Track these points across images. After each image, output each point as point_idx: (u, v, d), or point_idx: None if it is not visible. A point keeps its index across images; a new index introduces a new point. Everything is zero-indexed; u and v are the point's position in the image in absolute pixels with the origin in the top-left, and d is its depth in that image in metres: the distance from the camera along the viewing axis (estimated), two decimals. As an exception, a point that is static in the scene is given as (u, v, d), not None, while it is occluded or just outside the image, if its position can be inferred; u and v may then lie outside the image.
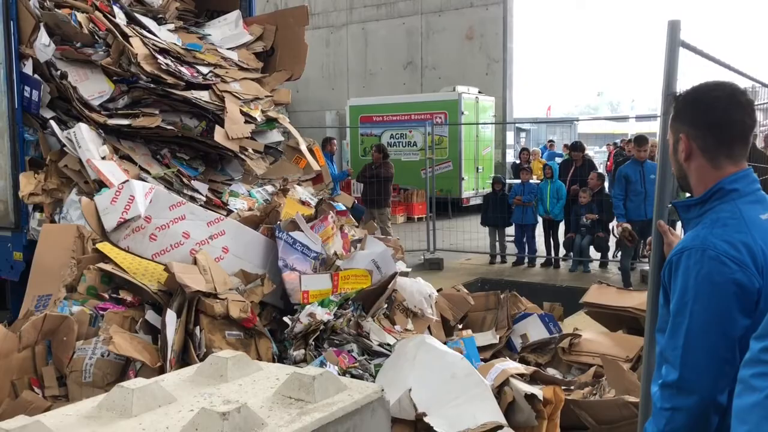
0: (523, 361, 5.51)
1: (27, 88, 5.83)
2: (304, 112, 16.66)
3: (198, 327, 4.24)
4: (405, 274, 5.84)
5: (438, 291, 6.07)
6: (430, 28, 18.08)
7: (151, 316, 4.35)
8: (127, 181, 5.01)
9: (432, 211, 11.38)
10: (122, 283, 4.53)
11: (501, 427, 3.20)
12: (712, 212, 1.82)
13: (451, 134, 15.33)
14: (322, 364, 4.52)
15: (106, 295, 4.44)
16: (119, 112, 5.98)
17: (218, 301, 4.32)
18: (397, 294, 5.33)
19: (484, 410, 3.28)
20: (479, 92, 16.08)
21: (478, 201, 16.16)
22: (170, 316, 4.10)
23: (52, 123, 5.62)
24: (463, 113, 15.33)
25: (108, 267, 4.48)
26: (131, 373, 3.88)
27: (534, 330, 6.14)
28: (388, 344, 4.60)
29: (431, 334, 5.14)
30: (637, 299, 5.66)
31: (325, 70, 18.88)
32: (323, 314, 4.48)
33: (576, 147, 10.85)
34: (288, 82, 7.38)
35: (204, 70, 6.46)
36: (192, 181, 6.18)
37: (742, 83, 2.16)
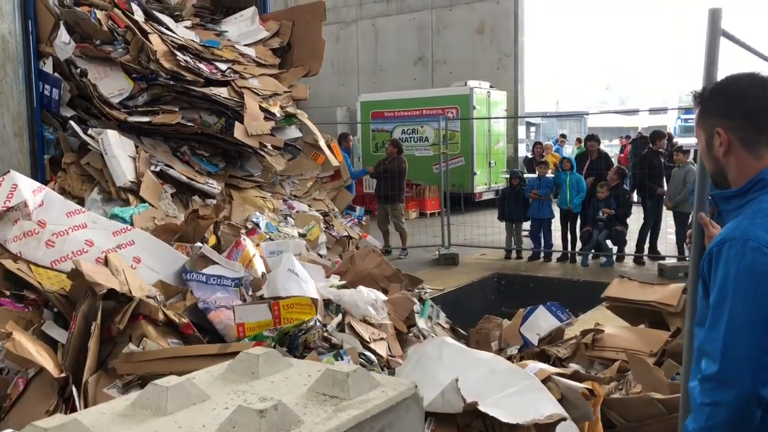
0: (543, 354, 5.49)
1: (47, 87, 5.85)
2: (315, 108, 16.63)
3: (141, 334, 3.84)
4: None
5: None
6: (441, 23, 18.03)
7: (48, 316, 3.99)
8: (9, 172, 4.60)
9: (446, 206, 11.33)
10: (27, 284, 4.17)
11: (564, 419, 3.16)
12: (753, 203, 1.79)
13: (463, 129, 15.28)
14: (338, 358, 4.49)
15: (7, 292, 4.08)
16: (139, 109, 5.99)
17: (155, 304, 3.98)
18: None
19: (542, 401, 3.22)
20: (491, 87, 16.01)
21: (491, 196, 16.13)
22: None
23: (73, 123, 5.63)
24: (474, 108, 15.27)
25: (7, 262, 4.15)
26: (20, 382, 3.48)
27: (545, 322, 6.12)
28: (364, 354, 4.41)
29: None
30: (659, 293, 5.62)
31: (335, 66, 18.85)
32: None
33: (591, 138, 10.79)
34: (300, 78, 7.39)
35: (222, 66, 6.46)
36: (209, 177, 6.19)
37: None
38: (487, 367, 3.64)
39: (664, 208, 9.84)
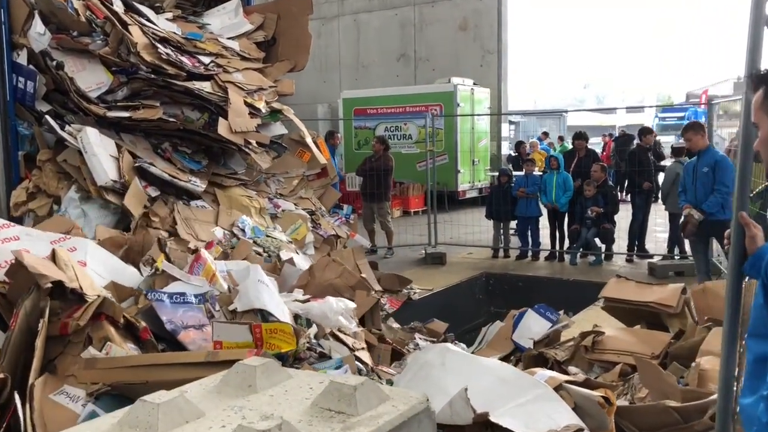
0: (541, 357, 5.34)
1: (21, 80, 5.56)
2: (295, 104, 16.31)
3: (104, 336, 3.53)
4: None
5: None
6: (424, 19, 17.83)
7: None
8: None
9: (433, 204, 11.15)
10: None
11: (581, 430, 2.98)
12: None
13: (447, 126, 15.11)
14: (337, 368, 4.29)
15: None
16: (118, 104, 5.72)
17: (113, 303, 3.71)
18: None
19: (558, 411, 3.04)
20: (474, 84, 15.86)
21: (474, 194, 15.99)
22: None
23: (48, 119, 5.36)
24: (459, 105, 15.10)
25: None
26: None
27: (536, 325, 6.01)
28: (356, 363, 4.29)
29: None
30: (658, 294, 5.49)
31: (316, 62, 18.53)
32: None
33: (579, 136, 10.67)
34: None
35: (205, 59, 6.21)
36: (192, 175, 5.94)
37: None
38: (494, 375, 3.46)
39: (653, 205, 9.77)
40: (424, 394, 2.30)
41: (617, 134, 18.20)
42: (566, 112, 35.26)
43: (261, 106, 6.22)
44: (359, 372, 4.32)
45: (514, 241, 10.80)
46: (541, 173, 10.61)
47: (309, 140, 6.73)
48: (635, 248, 9.83)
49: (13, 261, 3.71)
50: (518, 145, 14.38)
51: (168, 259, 4.73)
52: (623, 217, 9.92)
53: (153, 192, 5.33)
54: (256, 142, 6.26)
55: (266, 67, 6.78)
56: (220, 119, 5.79)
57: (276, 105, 6.55)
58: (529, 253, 10.32)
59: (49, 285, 3.46)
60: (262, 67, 6.75)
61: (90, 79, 5.62)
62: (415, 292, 8.09)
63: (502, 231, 10.64)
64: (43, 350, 3.29)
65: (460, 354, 3.75)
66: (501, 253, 10.60)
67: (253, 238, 5.52)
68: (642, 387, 4.42)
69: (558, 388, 3.53)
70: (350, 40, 19.05)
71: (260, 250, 5.52)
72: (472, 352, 6.23)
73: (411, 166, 15.01)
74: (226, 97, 5.98)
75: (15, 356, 3.23)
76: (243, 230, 5.52)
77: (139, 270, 4.55)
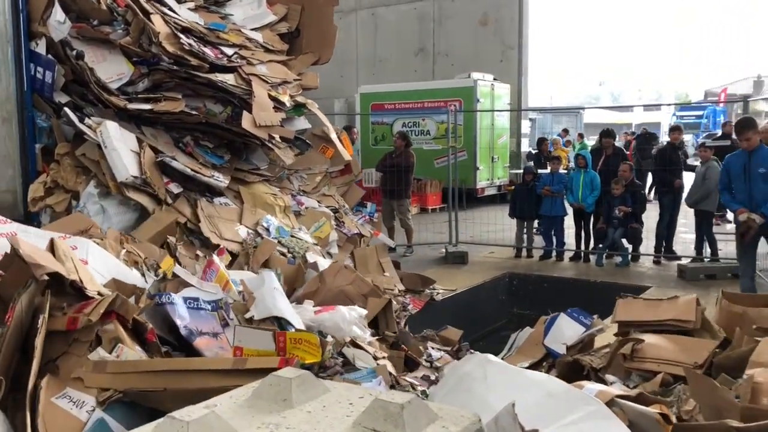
0: (576, 364, 5.11)
1: (39, 69, 5.37)
2: (311, 99, 16.11)
3: (114, 337, 3.29)
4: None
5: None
6: (443, 14, 17.54)
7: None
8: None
9: (454, 202, 10.90)
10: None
11: None
12: None
13: (466, 123, 14.83)
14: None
15: None
16: (139, 96, 5.52)
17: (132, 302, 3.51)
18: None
19: (613, 430, 2.82)
20: (494, 79, 15.59)
21: (493, 191, 15.73)
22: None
23: (68, 111, 5.16)
24: (478, 101, 14.83)
25: None
26: None
27: (569, 329, 5.76)
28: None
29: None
30: (673, 310, 5.10)
31: (333, 56, 18.36)
32: None
33: (607, 134, 10.38)
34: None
35: (228, 51, 6.00)
36: (214, 170, 5.74)
37: None
38: (542, 389, 3.23)
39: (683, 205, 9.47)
40: (476, 414, 2.09)
41: (638, 132, 17.83)
42: (583, 109, 34.86)
43: (285, 99, 6.01)
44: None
45: (538, 240, 10.55)
46: (565, 171, 10.33)
47: (333, 136, 6.52)
48: (662, 249, 9.55)
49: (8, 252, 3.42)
50: (540, 143, 14.07)
51: (178, 263, 4.55)
52: (649, 217, 9.65)
53: (175, 188, 5.13)
54: (279, 137, 6.04)
55: (290, 60, 6.56)
56: (245, 113, 5.58)
57: (300, 99, 6.33)
58: (554, 254, 10.06)
59: (46, 277, 3.18)
60: (286, 59, 6.53)
61: (110, 69, 5.42)
62: (438, 293, 7.86)
63: (525, 230, 10.39)
64: (42, 350, 3.01)
65: (502, 365, 3.52)
66: (524, 252, 10.35)
67: (277, 238, 5.30)
68: (688, 399, 4.17)
69: (610, 404, 3.29)
70: (367, 34, 18.81)
71: (284, 250, 5.31)
72: (502, 359, 5.99)
73: (429, 162, 14.75)
74: (250, 90, 5.77)
75: (10, 355, 2.99)
76: (267, 229, 5.31)
77: (142, 274, 4.33)
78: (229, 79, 5.78)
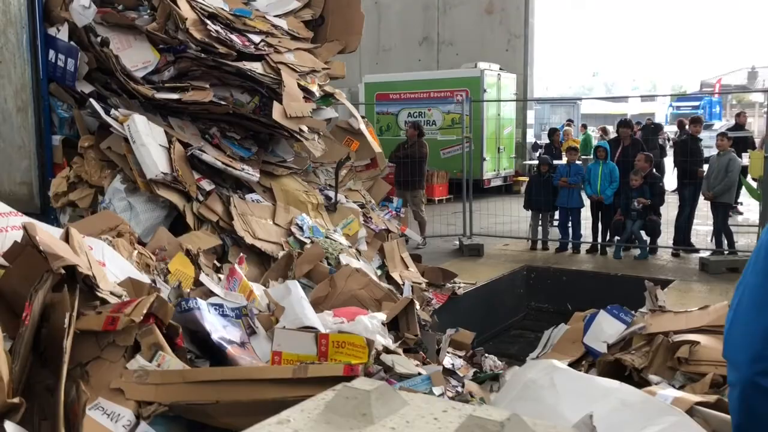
0: (618, 364, 4.95)
1: (61, 57, 5.12)
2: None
3: (154, 342, 3.03)
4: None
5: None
6: (448, 3, 17.26)
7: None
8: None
9: (468, 193, 10.71)
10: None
11: None
12: None
13: (473, 113, 14.66)
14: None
15: None
16: (166, 85, 5.28)
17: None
18: None
19: None
20: (500, 69, 15.39)
21: (499, 182, 15.57)
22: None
23: (93, 102, 4.91)
24: (485, 91, 14.64)
25: None
26: None
27: (609, 327, 5.60)
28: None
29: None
30: (706, 316, 4.95)
31: (335, 45, 18.08)
32: None
33: (625, 124, 10.22)
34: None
35: (255, 38, 5.77)
36: (244, 163, 5.52)
37: None
38: (615, 397, 3.05)
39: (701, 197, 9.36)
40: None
41: (643, 123, 17.71)
42: (580, 99, 34.73)
43: (314, 89, 5.78)
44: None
45: (553, 233, 10.40)
46: (580, 162, 10.18)
47: (362, 127, 6.30)
48: (682, 242, 9.43)
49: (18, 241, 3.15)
50: (552, 133, 13.91)
51: (199, 270, 4.31)
52: (665, 209, 9.52)
53: (207, 185, 4.91)
54: (308, 128, 5.82)
55: (315, 48, 6.33)
56: (275, 103, 5.35)
57: (328, 88, 6.10)
58: (570, 246, 9.92)
59: (62, 270, 2.92)
60: (312, 47, 6.30)
61: (136, 57, 5.18)
62: (459, 286, 7.69)
63: (540, 222, 10.23)
64: (69, 354, 2.72)
65: (570, 372, 3.35)
66: (539, 245, 10.20)
67: (311, 238, 5.09)
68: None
69: (690, 412, 3.13)
70: (371, 23, 18.48)
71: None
72: (537, 357, 5.83)
73: (435, 153, 14.55)
74: (279, 80, 5.54)
75: (27, 356, 2.74)
76: (301, 228, 5.10)
77: (153, 281, 4.09)
78: (257, 67, 5.55)
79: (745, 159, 10.27)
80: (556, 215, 10.38)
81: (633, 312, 5.64)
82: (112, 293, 3.30)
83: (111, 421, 2.78)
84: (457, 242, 10.36)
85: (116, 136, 4.92)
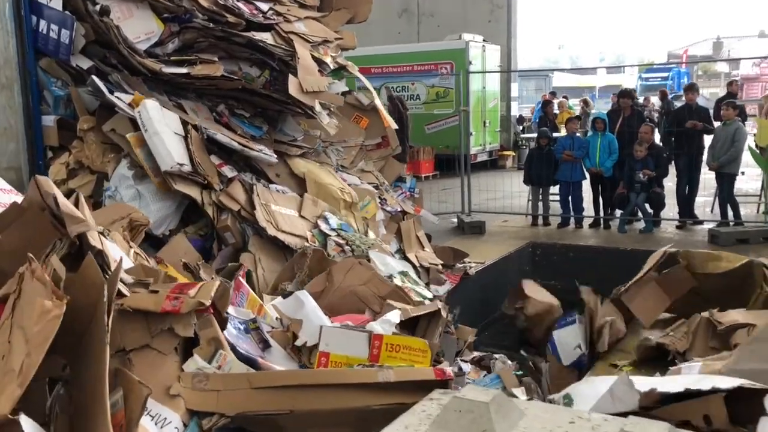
0: (660, 349, 4.75)
1: (53, 28, 4.60)
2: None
3: (213, 337, 2.68)
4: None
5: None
6: (427, -28, 16.83)
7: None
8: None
9: (466, 169, 10.42)
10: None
11: None
12: None
13: (457, 86, 14.33)
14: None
15: None
16: (171, 58, 4.80)
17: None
18: None
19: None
20: (484, 40, 15.03)
21: (485, 157, 15.31)
22: None
23: (96, 80, 4.42)
24: (470, 63, 14.28)
25: None
26: None
27: (569, 337, 5.61)
28: None
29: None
30: (763, 316, 4.74)
31: (310, 18, 17.47)
32: None
33: (625, 94, 10.00)
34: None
35: (263, 6, 5.30)
36: (255, 143, 5.08)
37: None
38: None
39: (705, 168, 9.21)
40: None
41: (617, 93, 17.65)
42: (552, 71, 34.65)
43: (328, 60, 5.36)
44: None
45: (553, 207, 10.17)
46: (580, 134, 9.94)
47: (378, 102, 5.90)
48: (687, 214, 9.29)
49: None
50: (545, 105, 13.64)
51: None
52: (667, 181, 9.38)
53: (229, 172, 4.46)
54: (321, 104, 5.40)
55: (323, 17, 5.88)
56: (291, 77, 4.91)
57: (341, 60, 5.68)
58: (572, 221, 9.71)
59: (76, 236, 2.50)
60: (320, 16, 5.85)
61: (138, 28, 4.67)
62: (471, 266, 7.40)
63: (541, 197, 9.99)
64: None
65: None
66: (540, 220, 9.97)
67: (337, 230, 4.69)
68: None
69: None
70: (347, -6, 17.97)
71: (343, 243, 4.67)
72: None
73: (419, 128, 14.20)
74: (292, 51, 5.10)
75: None
76: (327, 221, 4.69)
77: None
78: (267, 38, 5.09)
79: (749, 127, 10.16)
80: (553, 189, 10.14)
81: (573, 312, 5.66)
82: (121, 280, 2.81)
83: (156, 426, 2.38)
84: (455, 220, 10.08)
85: (121, 116, 4.44)
